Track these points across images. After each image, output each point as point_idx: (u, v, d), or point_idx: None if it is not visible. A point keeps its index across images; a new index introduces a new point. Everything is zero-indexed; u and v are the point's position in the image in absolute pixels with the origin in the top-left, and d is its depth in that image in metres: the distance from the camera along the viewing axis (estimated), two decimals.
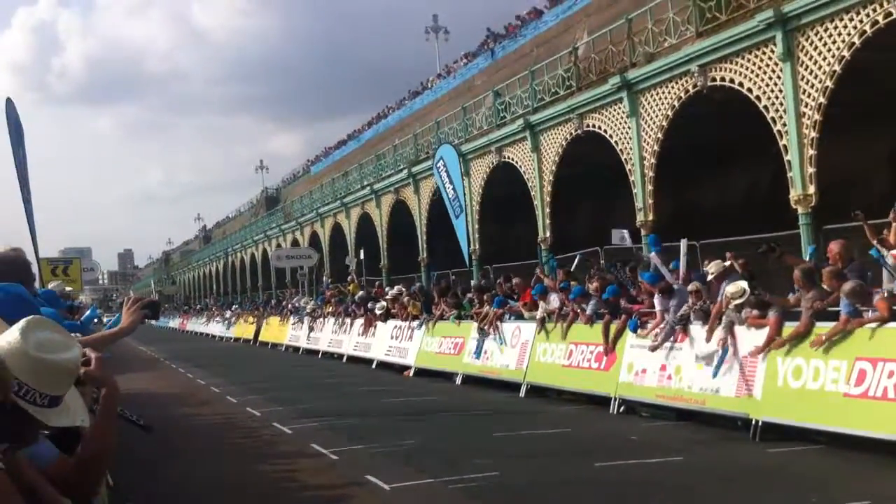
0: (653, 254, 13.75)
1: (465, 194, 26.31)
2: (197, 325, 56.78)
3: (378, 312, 23.60)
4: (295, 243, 46.62)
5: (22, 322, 2.42)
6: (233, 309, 48.87)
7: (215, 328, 49.48)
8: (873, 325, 9.08)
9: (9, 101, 16.75)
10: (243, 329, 41.92)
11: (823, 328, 9.66)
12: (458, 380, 17.63)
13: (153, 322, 55.57)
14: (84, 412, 2.63)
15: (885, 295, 9.21)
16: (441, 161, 27.23)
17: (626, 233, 16.16)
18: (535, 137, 23.05)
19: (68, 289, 13.37)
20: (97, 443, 2.66)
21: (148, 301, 4.66)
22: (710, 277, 11.93)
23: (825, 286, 9.99)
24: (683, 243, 13.37)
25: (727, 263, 11.87)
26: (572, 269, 17.33)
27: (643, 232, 18.36)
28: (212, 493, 8.57)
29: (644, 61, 19.09)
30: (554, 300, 15.45)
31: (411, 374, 19.90)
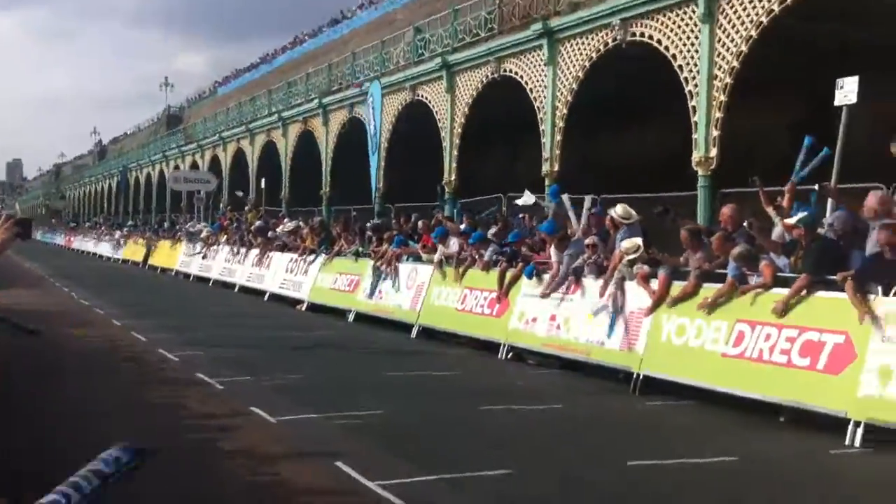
0: (564, 196, 13.77)
1: (378, 131, 25.99)
2: (85, 243, 54.97)
3: (283, 232, 23.25)
4: (194, 166, 45.46)
5: None
6: (123, 230, 47.50)
7: (104, 248, 48.02)
8: (756, 287, 9.38)
9: None
10: (133, 251, 40.78)
11: (709, 289, 9.93)
12: (351, 317, 17.57)
13: (38, 238, 54.10)
14: None
15: (770, 260, 9.49)
16: (371, 96, 26.75)
17: (529, 193, 16.27)
18: (452, 78, 22.84)
19: None
20: None
21: (20, 219, 4.56)
22: (612, 213, 11.95)
23: (714, 249, 10.25)
24: (588, 199, 13.49)
25: (634, 215, 11.98)
26: (481, 216, 17.34)
27: (546, 182, 18.50)
28: (92, 416, 8.33)
29: (568, 10, 19.05)
30: (453, 244, 15.46)
31: (304, 308, 19.74)
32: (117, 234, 47.25)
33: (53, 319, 16.86)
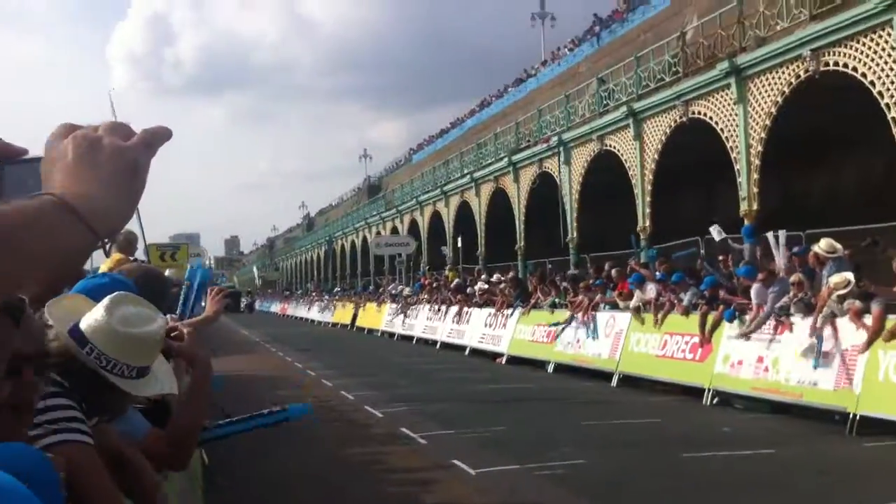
0: (770, 234, 13.30)
1: (563, 183, 26.03)
2: (297, 309, 58.06)
3: (477, 290, 23.63)
4: (394, 231, 47.10)
5: (106, 299, 2.50)
6: (332, 293, 49.78)
7: (315, 313, 50.49)
8: None
9: None
10: (341, 314, 42.65)
11: None
12: (551, 368, 17.52)
13: (248, 310, 57.54)
14: (172, 381, 2.71)
15: None
16: (560, 149, 26.95)
17: (717, 227, 15.77)
18: (638, 125, 22.61)
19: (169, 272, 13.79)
20: (188, 417, 2.75)
21: (229, 291, 4.97)
22: (817, 249, 11.43)
23: None
24: (782, 234, 12.93)
25: (839, 249, 11.39)
26: (674, 259, 16.96)
27: (746, 222, 17.84)
28: (301, 475, 8.74)
29: (754, 45, 18.49)
30: (650, 290, 15.19)
31: (504, 361, 19.88)
32: (325, 299, 49.62)
33: (268, 382, 17.87)
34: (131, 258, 6.33)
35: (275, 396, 15.53)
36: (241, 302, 72.15)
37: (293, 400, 14.91)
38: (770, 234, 13.23)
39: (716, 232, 15.53)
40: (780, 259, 12.70)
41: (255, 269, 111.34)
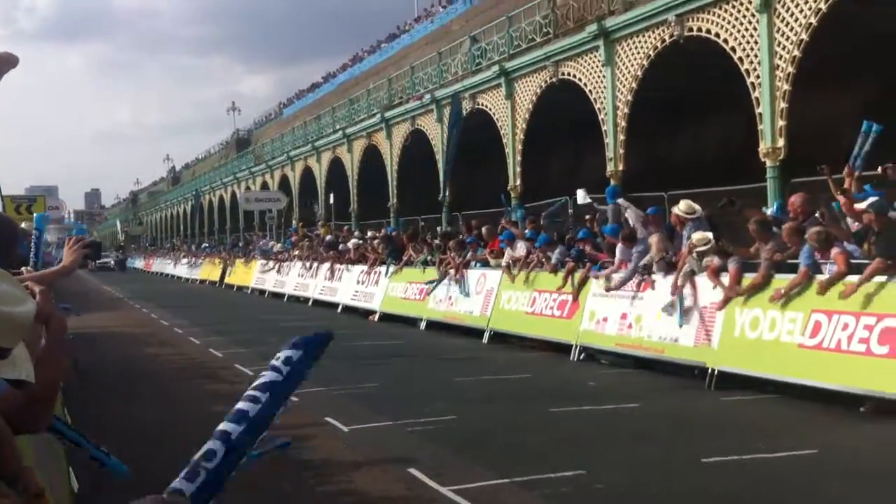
0: (621, 200, 13.71)
1: (452, 141, 26.06)
2: (163, 266, 56.41)
3: (349, 247, 23.54)
4: (264, 186, 46.27)
5: None
6: (200, 249, 48.58)
7: (181, 270, 49.21)
8: (831, 278, 9.15)
9: None
10: (209, 271, 41.71)
11: (782, 280, 9.72)
12: (423, 325, 17.67)
13: (119, 267, 55.19)
14: (29, 365, 2.60)
15: (843, 248, 9.26)
16: (434, 105, 26.87)
17: (583, 192, 16.22)
18: (510, 84, 22.85)
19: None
20: (45, 376, 2.64)
21: (89, 241, 4.66)
22: (676, 210, 11.88)
23: (784, 239, 10.04)
24: (622, 201, 13.47)
25: (698, 210, 11.85)
26: (544, 214, 17.31)
27: (612, 181, 18.35)
28: (170, 432, 8.51)
29: (622, 9, 18.91)
30: (520, 248, 15.46)
31: (376, 318, 19.91)
32: (193, 254, 48.41)
33: (132, 339, 17.36)
34: None
35: (139, 353, 15.13)
36: (100, 252, 69.36)
37: (159, 358, 14.60)
38: (622, 200, 13.66)
39: (581, 195, 15.95)
40: (632, 222, 13.12)
41: (118, 223, 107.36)
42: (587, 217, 15.80)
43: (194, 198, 63.51)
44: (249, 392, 2.14)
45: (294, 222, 38.47)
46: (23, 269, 4.48)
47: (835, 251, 9.23)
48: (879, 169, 10.07)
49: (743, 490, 6.33)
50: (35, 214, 6.35)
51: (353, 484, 6.76)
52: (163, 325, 20.55)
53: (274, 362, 2.18)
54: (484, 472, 6.80)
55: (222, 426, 2.07)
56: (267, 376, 2.18)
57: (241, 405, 2.12)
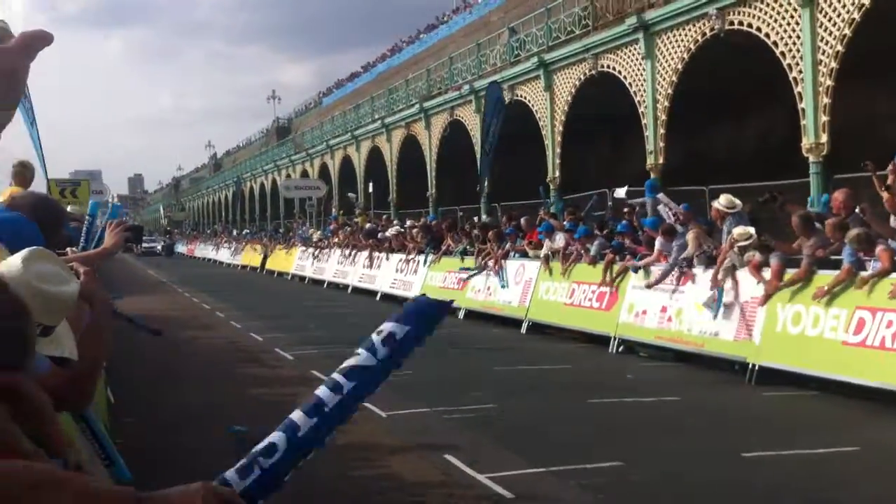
0: (661, 195, 13.68)
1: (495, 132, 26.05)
2: (205, 251, 57.05)
3: (389, 236, 23.64)
4: (304, 174, 46.56)
5: (25, 251, 2.44)
6: (241, 234, 49.06)
7: (223, 255, 49.74)
8: (875, 275, 9.06)
9: None
10: (250, 257, 42.14)
11: (824, 276, 9.64)
12: (461, 314, 17.73)
13: (166, 252, 55.20)
14: (72, 343, 2.67)
15: (888, 246, 9.16)
16: (474, 96, 26.87)
17: (624, 190, 16.16)
18: (549, 76, 22.80)
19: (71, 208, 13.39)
20: (89, 354, 2.70)
21: (131, 224, 4.79)
22: (716, 205, 11.81)
23: (828, 235, 9.95)
24: (661, 196, 13.36)
25: (738, 204, 11.78)
26: (585, 211, 17.28)
27: (651, 175, 18.26)
28: (210, 415, 8.68)
29: (662, 2, 18.78)
30: (559, 239, 15.45)
31: None
32: (235, 240, 48.91)
33: (176, 322, 17.62)
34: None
35: (181, 337, 15.36)
36: (142, 235, 69.02)
37: (200, 341, 14.82)
38: (662, 196, 13.60)
39: (620, 191, 15.89)
40: (665, 217, 13.06)
41: (161, 209, 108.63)
42: (625, 210, 15.75)
43: (235, 184, 64.11)
44: (333, 376, 1.85)
45: (333, 210, 38.70)
46: (68, 250, 4.57)
47: (879, 248, 9.13)
48: None
49: (781, 485, 6.32)
50: (91, 201, 6.50)
51: (391, 469, 6.85)
52: (205, 308, 20.83)
53: (374, 337, 1.85)
54: (520, 461, 6.85)
55: (293, 416, 1.79)
56: (359, 358, 1.88)
57: (319, 392, 1.82)
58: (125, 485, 4.03)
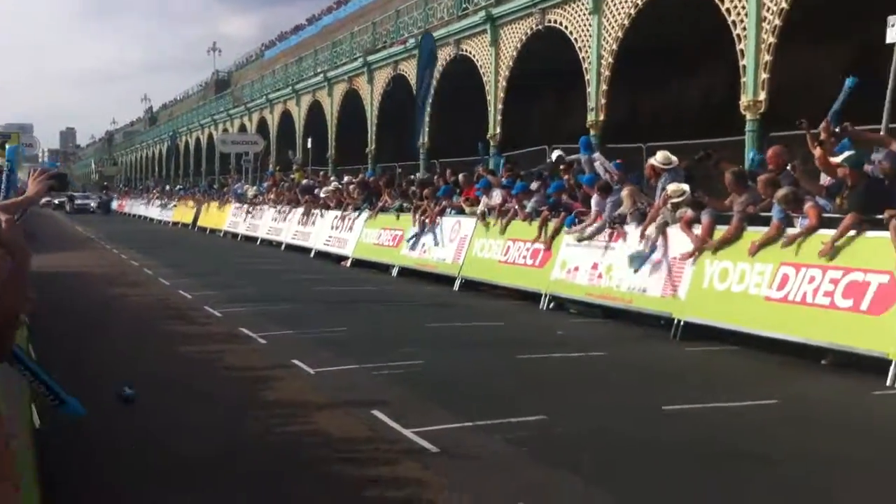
0: (596, 153, 13.67)
1: (430, 86, 25.77)
2: (135, 207, 55.91)
3: (323, 196, 23.37)
4: (242, 129, 45.78)
5: None
6: (174, 191, 48.19)
7: (154, 211, 48.83)
8: (802, 233, 9.15)
9: None
10: (183, 213, 41.42)
11: (754, 233, 9.71)
12: (395, 272, 17.62)
13: (103, 210, 53.39)
14: None
15: (816, 203, 9.25)
16: (418, 51, 26.49)
17: (556, 154, 16.07)
18: (495, 31, 22.59)
19: None
20: (8, 303, 2.59)
21: (55, 172, 4.63)
22: (653, 161, 11.84)
23: (759, 191, 10.01)
24: (598, 155, 13.37)
25: (674, 161, 11.80)
26: (523, 173, 17.16)
27: (592, 132, 18.25)
28: (135, 371, 8.43)
29: None
30: (496, 196, 15.37)
31: (349, 264, 19.84)
32: (167, 196, 48.04)
33: (101, 279, 17.21)
34: None
35: (107, 294, 15.00)
36: (66, 183, 66.74)
37: (128, 298, 14.50)
38: (597, 155, 13.59)
39: (555, 154, 15.78)
40: (604, 174, 13.06)
41: (92, 163, 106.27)
42: (562, 167, 15.71)
43: (170, 139, 62.81)
44: None
45: (271, 166, 38.15)
46: None
47: (807, 205, 9.21)
48: (837, 128, 10.00)
49: (701, 438, 6.36)
50: (7, 147, 6.21)
51: (317, 425, 6.73)
52: (132, 265, 20.37)
53: None
54: (447, 416, 6.80)
55: None
56: None
57: None
58: (80, 419, 3.88)
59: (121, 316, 12.68)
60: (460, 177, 17.80)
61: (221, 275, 18.06)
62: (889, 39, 10.02)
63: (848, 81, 10.24)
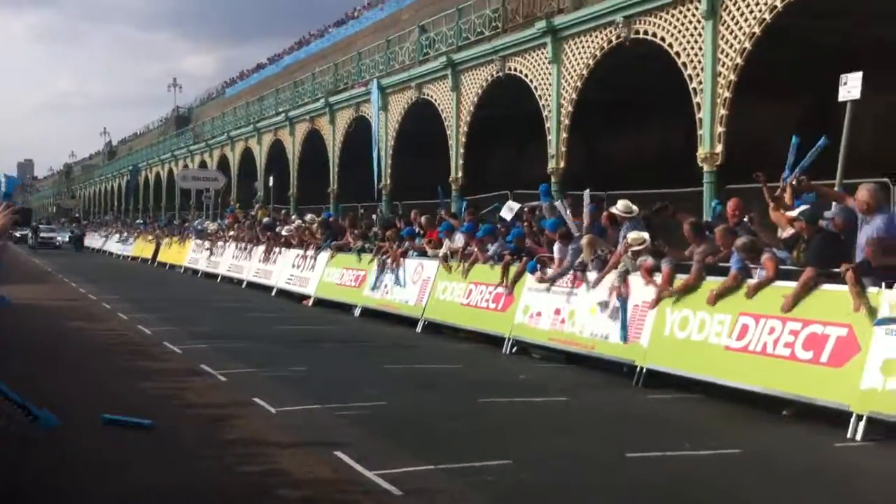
0: (558, 202, 13.84)
1: (379, 128, 26.01)
2: (93, 240, 55.10)
3: (285, 235, 23.32)
4: (203, 165, 45.59)
5: None
6: (134, 223, 47.66)
7: (113, 245, 48.18)
8: (761, 283, 9.33)
9: None
10: (142, 248, 40.96)
11: (713, 282, 9.89)
12: (357, 312, 17.59)
13: (75, 245, 51.13)
14: None
15: (773, 255, 9.46)
16: (371, 94, 26.83)
17: (509, 204, 16.12)
18: (457, 76, 22.89)
19: None
20: None
21: (20, 208, 4.69)
22: (614, 210, 12.02)
23: (718, 242, 10.22)
24: (586, 194, 13.49)
25: (635, 210, 11.99)
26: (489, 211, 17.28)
27: (553, 179, 18.50)
28: (92, 409, 8.31)
29: (572, 8, 19.05)
30: (458, 239, 15.48)
31: (310, 303, 19.77)
32: (126, 230, 47.44)
33: (59, 313, 16.96)
34: None
35: (65, 327, 14.80)
36: (31, 217, 62.88)
37: (86, 332, 14.29)
38: (559, 203, 13.74)
39: (507, 210, 15.66)
40: (586, 216, 13.21)
41: (52, 196, 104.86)
42: (525, 211, 15.87)
43: (131, 173, 62.22)
44: None
45: (231, 203, 37.99)
46: None
47: (765, 256, 9.42)
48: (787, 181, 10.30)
49: (663, 486, 6.42)
50: None
51: (279, 465, 6.70)
52: (91, 299, 20.12)
53: None
54: (410, 458, 6.80)
55: None
56: None
57: None
58: (55, 429, 3.85)
59: (78, 350, 12.51)
60: (423, 219, 17.91)
61: (181, 311, 17.90)
62: (841, 97, 10.35)
63: (794, 140, 10.57)
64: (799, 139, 10.54)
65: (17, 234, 52.55)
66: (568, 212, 13.23)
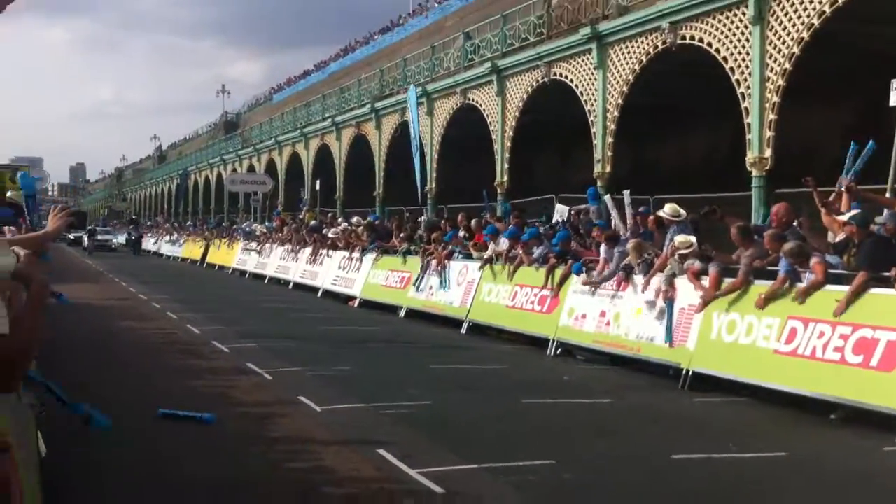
0: (607, 197, 13.80)
1: (418, 134, 26.05)
2: (145, 242, 56.03)
3: (331, 237, 23.51)
4: (251, 169, 46.13)
5: None
6: (184, 226, 48.34)
7: (164, 247, 48.96)
8: (809, 287, 9.23)
9: None
10: (191, 249, 41.59)
11: (761, 286, 9.80)
12: (402, 313, 17.68)
13: (133, 248, 50.89)
14: (4, 320, 2.60)
15: (822, 259, 9.36)
16: (409, 101, 26.96)
17: (564, 210, 16.19)
18: (501, 82, 22.92)
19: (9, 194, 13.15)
20: (23, 335, 2.65)
21: (75, 210, 4.71)
22: (661, 213, 12.00)
23: (766, 246, 10.12)
24: (626, 195, 13.45)
25: (683, 213, 11.93)
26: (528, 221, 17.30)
27: (599, 184, 18.44)
28: (144, 406, 8.49)
29: (616, 14, 18.98)
30: (504, 242, 15.49)
31: (356, 304, 19.92)
32: (177, 232, 48.12)
33: (113, 313, 17.29)
34: None
35: (117, 326, 15.10)
36: (86, 221, 59.38)
37: (137, 332, 14.56)
38: (608, 197, 13.72)
39: (557, 215, 15.87)
40: (628, 217, 13.19)
41: (103, 199, 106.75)
42: (572, 212, 15.87)
43: (180, 176, 63.13)
44: None
45: (279, 206, 38.40)
46: (4, 229, 4.53)
47: (814, 260, 9.31)
48: (842, 187, 10.19)
49: (707, 488, 6.39)
50: (19, 174, 6.33)
51: (324, 462, 6.78)
52: (141, 299, 20.48)
53: None
54: (453, 457, 6.84)
55: None
56: None
57: None
58: (106, 430, 3.95)
59: (130, 348, 12.76)
60: (472, 222, 17.96)
61: (229, 311, 18.15)
62: (893, 102, 10.22)
63: (853, 147, 10.45)
64: (857, 146, 10.41)
65: (71, 236, 53.29)
66: (617, 212, 13.21)
